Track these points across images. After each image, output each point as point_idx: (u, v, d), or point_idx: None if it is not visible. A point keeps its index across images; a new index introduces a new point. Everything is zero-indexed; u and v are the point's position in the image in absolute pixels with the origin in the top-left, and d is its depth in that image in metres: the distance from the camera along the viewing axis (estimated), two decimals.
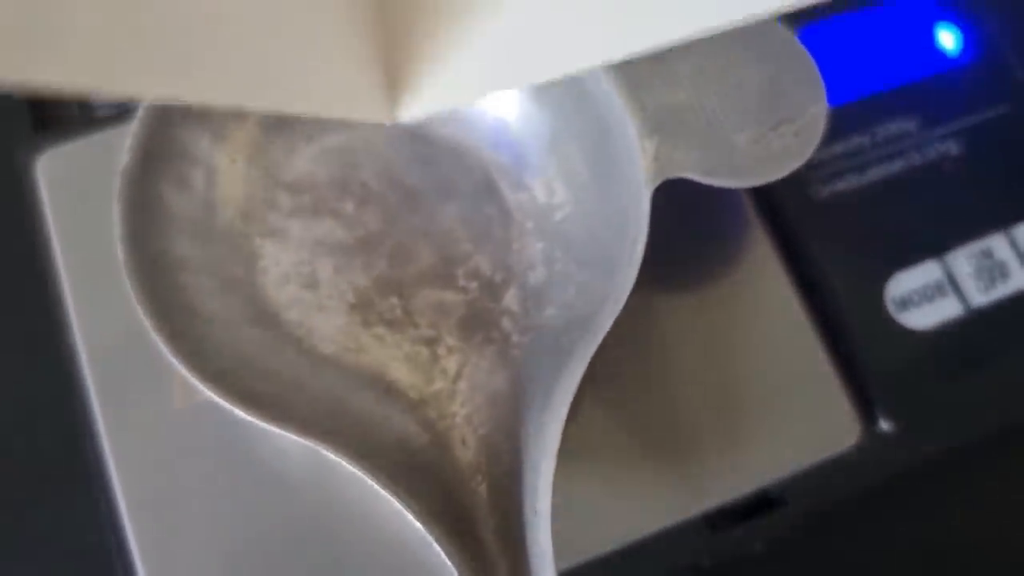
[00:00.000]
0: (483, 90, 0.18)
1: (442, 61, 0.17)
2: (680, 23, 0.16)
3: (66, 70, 0.12)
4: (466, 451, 0.20)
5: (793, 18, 0.24)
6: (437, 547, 0.17)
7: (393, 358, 0.21)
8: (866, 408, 0.22)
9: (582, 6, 0.16)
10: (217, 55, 0.14)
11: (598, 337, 0.18)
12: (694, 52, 0.20)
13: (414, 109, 0.17)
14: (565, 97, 0.21)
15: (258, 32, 0.15)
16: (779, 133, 0.20)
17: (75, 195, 0.23)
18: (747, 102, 0.20)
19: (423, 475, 0.19)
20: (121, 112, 0.24)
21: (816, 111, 0.20)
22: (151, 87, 0.13)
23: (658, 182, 0.19)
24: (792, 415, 0.22)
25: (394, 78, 0.18)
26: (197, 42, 0.14)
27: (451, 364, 0.21)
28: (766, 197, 0.24)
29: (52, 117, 0.26)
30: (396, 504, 0.18)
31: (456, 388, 0.21)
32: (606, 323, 0.18)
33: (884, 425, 0.22)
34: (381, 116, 0.17)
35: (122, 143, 0.20)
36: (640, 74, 0.20)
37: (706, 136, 0.20)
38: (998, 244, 0.24)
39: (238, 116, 0.21)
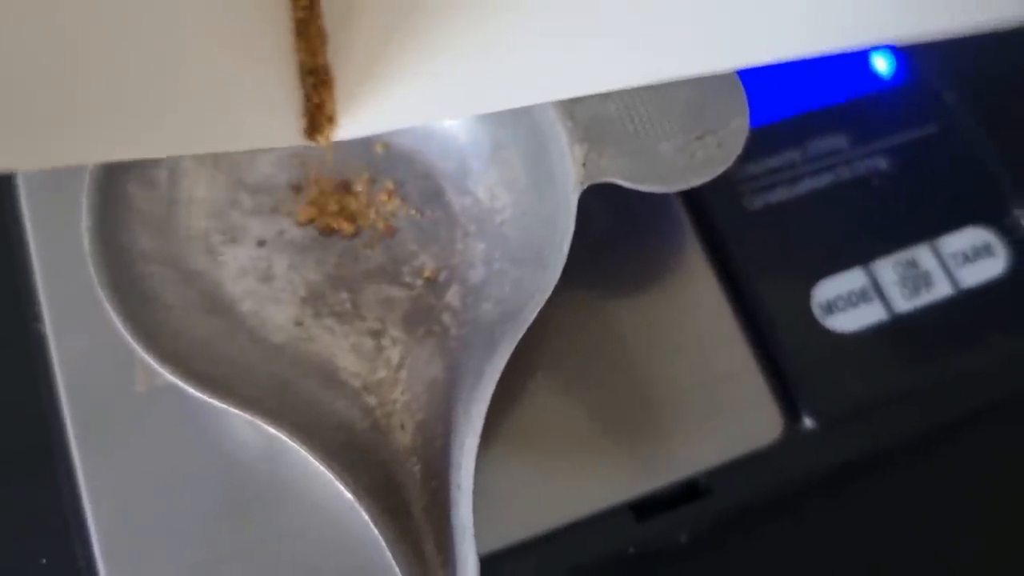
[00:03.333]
0: (424, 118, 0.19)
1: (387, 86, 0.19)
2: (636, 72, 0.17)
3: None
4: (404, 435, 0.21)
5: None
6: (367, 518, 0.19)
7: (340, 348, 0.22)
8: (790, 405, 0.23)
9: (530, 46, 0.18)
10: (135, 113, 0.16)
11: (523, 328, 0.19)
12: None
13: (353, 128, 0.19)
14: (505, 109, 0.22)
15: (174, 90, 0.16)
16: (703, 143, 0.21)
17: (50, 194, 0.24)
18: (673, 113, 0.22)
19: (362, 456, 0.20)
20: None
21: (738, 123, 0.22)
22: (70, 155, 0.15)
23: (585, 185, 0.21)
24: (719, 411, 0.23)
25: (341, 95, 0.19)
26: (112, 104, 0.15)
27: (394, 355, 0.22)
28: (701, 207, 0.25)
29: None
30: (335, 485, 0.19)
31: (398, 377, 0.22)
32: (531, 315, 0.20)
33: (807, 422, 0.23)
34: (295, 141, 0.19)
35: None
36: None
37: (633, 144, 0.21)
38: (923, 254, 0.25)
39: None
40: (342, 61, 0.20)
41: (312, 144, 0.19)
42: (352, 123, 0.19)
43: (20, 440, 0.23)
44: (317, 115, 0.19)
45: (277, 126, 0.19)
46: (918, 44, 0.28)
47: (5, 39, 0.13)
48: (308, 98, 0.19)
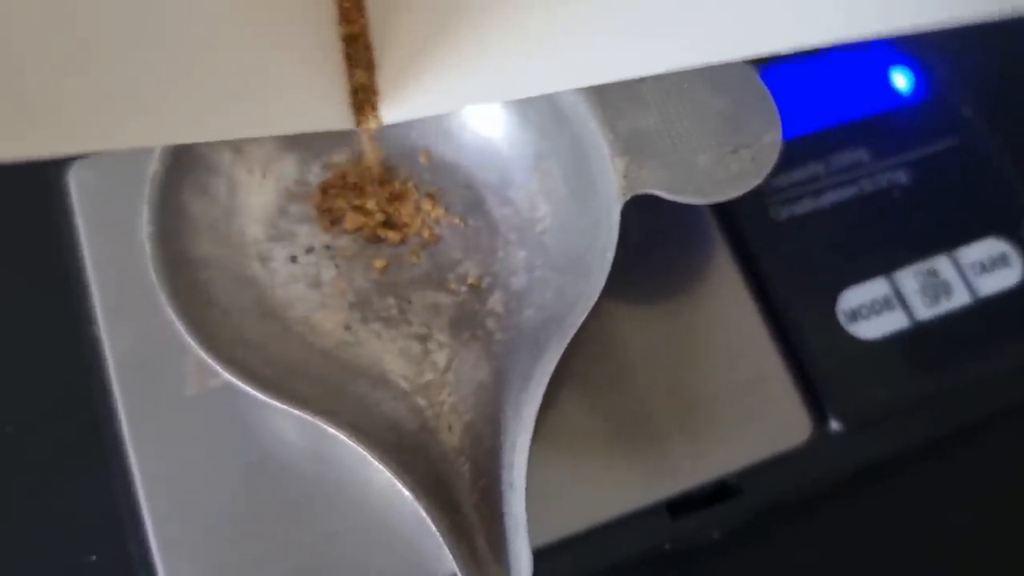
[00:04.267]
0: (465, 101, 0.20)
1: (430, 71, 0.20)
2: (657, 59, 0.18)
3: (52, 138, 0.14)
4: (451, 436, 0.22)
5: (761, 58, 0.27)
6: (425, 516, 0.19)
7: (388, 352, 0.23)
8: (817, 409, 0.24)
9: (567, 32, 0.19)
10: (189, 96, 0.16)
11: (570, 333, 0.20)
12: (662, 81, 0.23)
13: (399, 112, 0.20)
14: (546, 120, 0.23)
15: (225, 70, 0.17)
16: (738, 156, 0.22)
17: (103, 201, 0.25)
18: (709, 128, 0.23)
19: (412, 455, 0.21)
20: None
21: (771, 138, 0.23)
22: (130, 139, 0.15)
23: (627, 197, 0.22)
24: (749, 414, 0.24)
25: (383, 80, 0.20)
26: (166, 89, 0.16)
27: (441, 358, 0.23)
28: (730, 218, 0.26)
29: None
30: (380, 486, 0.20)
31: (445, 379, 0.23)
32: (578, 321, 0.20)
33: (833, 425, 0.24)
34: (345, 124, 0.20)
35: (143, 155, 0.22)
36: (613, 100, 0.22)
37: (672, 157, 0.22)
38: (943, 265, 0.26)
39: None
40: (384, 51, 0.21)
41: (359, 128, 0.20)
42: (394, 109, 0.20)
43: (73, 441, 0.24)
44: (363, 101, 0.20)
45: (326, 110, 0.20)
46: (936, 60, 0.29)
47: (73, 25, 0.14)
48: (354, 87, 0.20)
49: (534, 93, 0.19)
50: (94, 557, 0.23)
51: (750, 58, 0.18)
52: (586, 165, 0.23)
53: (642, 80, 0.23)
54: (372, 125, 0.20)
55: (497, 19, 0.19)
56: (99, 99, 0.15)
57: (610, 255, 0.21)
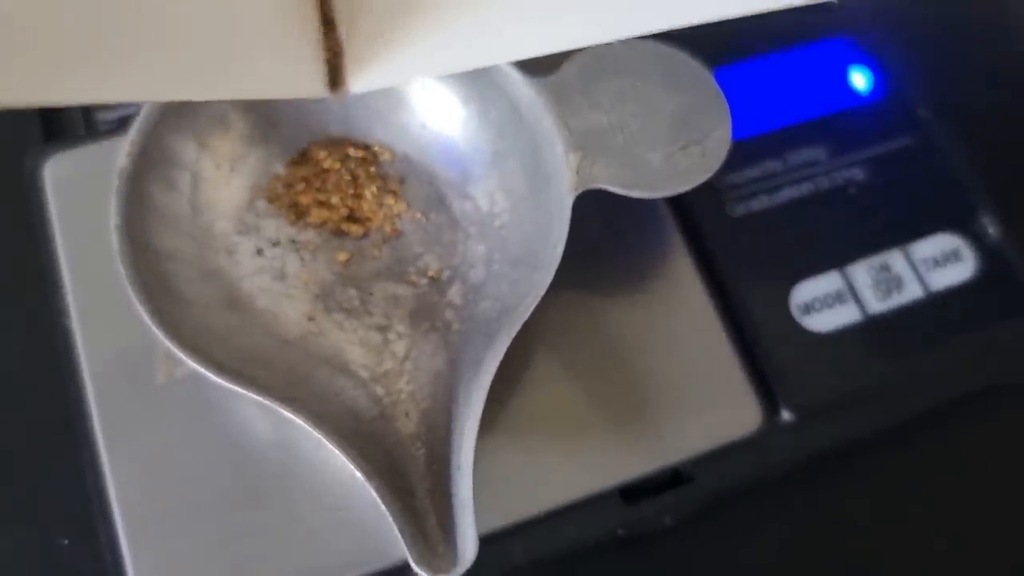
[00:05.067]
0: (434, 70, 0.20)
1: (397, 39, 0.20)
2: (630, 22, 0.18)
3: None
4: (408, 423, 0.23)
5: (721, 56, 0.28)
6: (378, 499, 0.20)
7: (349, 342, 0.24)
8: (769, 399, 0.25)
9: (504, 13, 0.19)
10: (161, 55, 0.17)
11: (518, 323, 0.21)
12: (616, 80, 0.23)
13: (366, 81, 0.20)
14: (505, 120, 0.24)
15: (199, 29, 0.17)
16: (687, 152, 0.23)
17: (76, 195, 0.26)
18: (661, 125, 0.23)
19: (370, 442, 0.22)
20: (121, 123, 0.27)
21: (720, 134, 0.23)
22: (106, 92, 0.16)
23: (579, 191, 0.22)
24: (702, 403, 0.25)
25: (349, 51, 0.21)
26: (144, 44, 0.16)
27: (400, 348, 0.24)
28: (687, 214, 0.27)
29: (60, 128, 0.30)
30: (341, 473, 0.21)
31: (403, 368, 0.23)
32: (526, 312, 0.21)
33: (785, 415, 0.25)
34: (318, 92, 0.20)
35: (120, 150, 0.23)
36: (569, 99, 0.23)
37: (623, 153, 0.23)
38: (895, 259, 0.27)
39: (223, 128, 0.24)
40: (352, 23, 0.21)
41: (332, 97, 0.20)
42: (362, 78, 0.20)
43: (46, 427, 0.24)
44: (335, 69, 0.21)
45: (300, 79, 0.20)
46: (895, 61, 0.29)
47: None
48: (328, 54, 0.21)
49: (494, 61, 0.19)
50: (66, 541, 0.24)
51: (673, 28, 0.19)
52: (542, 162, 0.23)
53: (595, 78, 0.23)
54: (343, 94, 0.21)
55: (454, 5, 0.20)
56: (68, 52, 0.15)
57: (560, 248, 0.22)
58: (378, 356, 0.24)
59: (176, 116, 0.23)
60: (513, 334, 0.21)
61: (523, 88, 0.23)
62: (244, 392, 0.21)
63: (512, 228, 0.24)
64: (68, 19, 0.15)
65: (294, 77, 0.20)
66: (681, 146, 0.23)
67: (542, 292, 0.21)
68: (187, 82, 0.17)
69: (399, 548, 0.21)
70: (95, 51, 0.16)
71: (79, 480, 0.24)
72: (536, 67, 0.23)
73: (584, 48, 0.24)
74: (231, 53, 0.18)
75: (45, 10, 0.15)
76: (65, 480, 0.24)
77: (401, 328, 0.24)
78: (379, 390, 0.23)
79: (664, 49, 0.24)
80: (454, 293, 0.24)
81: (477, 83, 0.24)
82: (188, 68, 0.17)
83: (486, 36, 0.19)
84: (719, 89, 0.24)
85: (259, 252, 0.25)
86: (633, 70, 0.24)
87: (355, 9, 0.21)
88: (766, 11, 0.17)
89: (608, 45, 0.24)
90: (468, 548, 0.20)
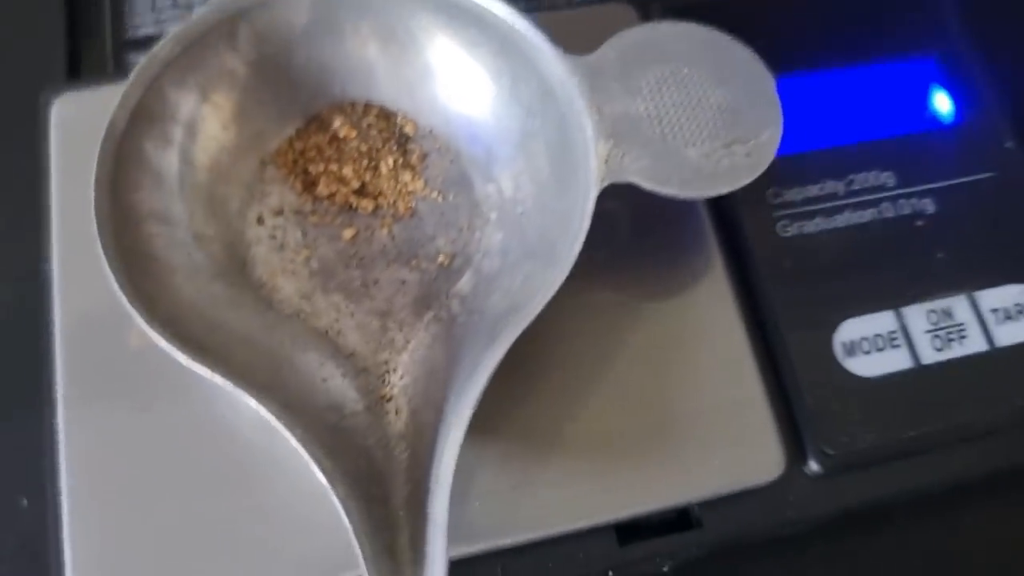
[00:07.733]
0: None
1: None
2: None
3: None
4: (397, 420, 0.21)
5: (792, 62, 0.25)
6: (338, 506, 0.18)
7: (345, 326, 0.22)
8: (796, 445, 0.22)
9: None
10: None
11: (526, 320, 0.19)
12: (658, 66, 0.21)
13: None
14: (535, 98, 0.22)
15: None
16: (731, 151, 0.21)
17: (79, 138, 0.24)
18: (704, 118, 0.21)
19: (349, 439, 0.20)
20: None
21: (771, 135, 0.21)
22: None
23: (605, 184, 0.20)
24: (720, 440, 0.22)
25: None
26: None
27: (399, 337, 0.22)
28: (732, 226, 0.24)
29: (88, 65, 0.28)
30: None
31: (399, 360, 0.21)
32: (535, 309, 0.19)
33: (811, 465, 0.22)
34: None
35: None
36: (602, 82, 0.21)
37: (658, 146, 0.20)
38: (960, 306, 0.24)
39: (230, 84, 0.22)
40: None
41: None
42: None
43: (13, 380, 0.23)
44: None
45: None
46: (983, 86, 0.26)
47: None
48: None
49: None
50: (25, 501, 0.23)
51: None
52: (569, 148, 0.21)
53: (635, 62, 0.21)
54: None
55: None
56: None
57: (578, 245, 0.19)
58: (374, 344, 0.22)
59: (180, 67, 0.21)
60: (517, 334, 0.19)
61: (556, 65, 0.21)
62: (208, 375, 0.19)
63: (532, 216, 0.22)
64: None
65: None
66: (724, 143, 0.21)
67: (553, 290, 0.19)
68: None
69: None
70: None
71: (40, 437, 0.22)
72: (572, 46, 0.20)
73: (627, 30, 0.21)
74: None
75: None
76: (30, 438, 0.22)
77: (402, 316, 0.22)
78: (370, 381, 0.21)
79: (717, 36, 0.21)
80: (464, 283, 0.22)
81: (509, 57, 0.22)
82: None
83: None
84: (773, 85, 0.21)
85: (260, 220, 0.23)
86: (679, 57, 0.21)
87: None
88: None
89: (654, 28, 0.21)
90: (436, 573, 0.17)
